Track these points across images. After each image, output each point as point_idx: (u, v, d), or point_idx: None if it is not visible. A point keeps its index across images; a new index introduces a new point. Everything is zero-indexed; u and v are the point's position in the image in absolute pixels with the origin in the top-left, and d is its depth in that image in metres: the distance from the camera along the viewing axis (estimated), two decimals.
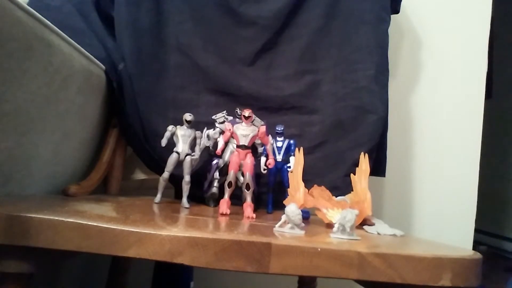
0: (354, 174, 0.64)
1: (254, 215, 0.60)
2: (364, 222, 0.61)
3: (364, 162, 0.63)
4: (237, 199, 0.65)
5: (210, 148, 0.73)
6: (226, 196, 0.62)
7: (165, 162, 0.66)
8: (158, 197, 0.66)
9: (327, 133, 0.84)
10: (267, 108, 0.85)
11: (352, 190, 0.65)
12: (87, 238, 0.39)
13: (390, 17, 0.90)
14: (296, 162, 0.64)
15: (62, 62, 0.56)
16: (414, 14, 1.09)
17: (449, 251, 0.44)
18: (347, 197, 0.67)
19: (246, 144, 0.64)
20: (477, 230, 1.10)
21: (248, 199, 0.62)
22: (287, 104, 0.86)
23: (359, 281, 0.44)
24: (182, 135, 0.67)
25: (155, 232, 0.39)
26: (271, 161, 0.65)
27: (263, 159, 0.69)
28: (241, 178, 0.65)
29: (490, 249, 2.63)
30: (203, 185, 0.73)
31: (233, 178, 0.62)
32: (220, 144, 0.66)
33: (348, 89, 0.85)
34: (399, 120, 1.05)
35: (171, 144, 0.67)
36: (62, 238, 0.39)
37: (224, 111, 0.75)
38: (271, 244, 0.39)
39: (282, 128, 0.70)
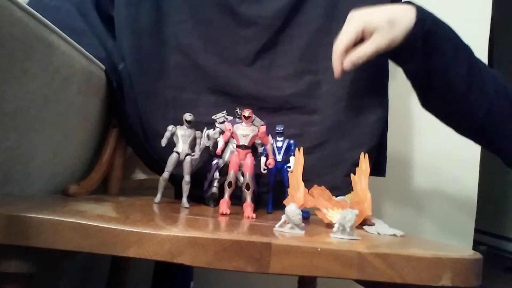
0: (354, 174, 0.64)
1: (254, 215, 0.60)
2: (364, 222, 0.61)
3: (364, 162, 0.63)
4: (237, 199, 0.64)
5: (210, 148, 0.73)
6: (226, 196, 0.62)
7: (165, 162, 0.66)
8: (158, 197, 0.66)
9: (327, 133, 0.84)
10: (267, 108, 0.84)
11: (352, 190, 0.65)
12: (87, 238, 0.39)
13: None
14: (296, 162, 0.64)
15: (62, 62, 0.56)
16: None
17: (449, 251, 0.44)
18: (347, 197, 0.67)
19: (246, 144, 0.64)
20: (477, 230, 1.10)
21: (248, 199, 0.62)
22: (287, 104, 0.86)
23: (359, 281, 0.44)
24: (182, 135, 0.67)
25: (155, 232, 0.39)
26: (271, 161, 0.65)
27: (263, 159, 0.69)
28: (241, 178, 0.65)
29: (490, 249, 2.63)
30: (203, 185, 0.73)
31: (233, 178, 0.62)
32: (220, 144, 0.66)
33: (348, 89, 0.85)
34: (399, 120, 1.05)
35: (171, 144, 0.67)
36: (62, 238, 0.39)
37: (224, 111, 0.75)
38: (271, 244, 0.39)
39: (282, 128, 0.70)
